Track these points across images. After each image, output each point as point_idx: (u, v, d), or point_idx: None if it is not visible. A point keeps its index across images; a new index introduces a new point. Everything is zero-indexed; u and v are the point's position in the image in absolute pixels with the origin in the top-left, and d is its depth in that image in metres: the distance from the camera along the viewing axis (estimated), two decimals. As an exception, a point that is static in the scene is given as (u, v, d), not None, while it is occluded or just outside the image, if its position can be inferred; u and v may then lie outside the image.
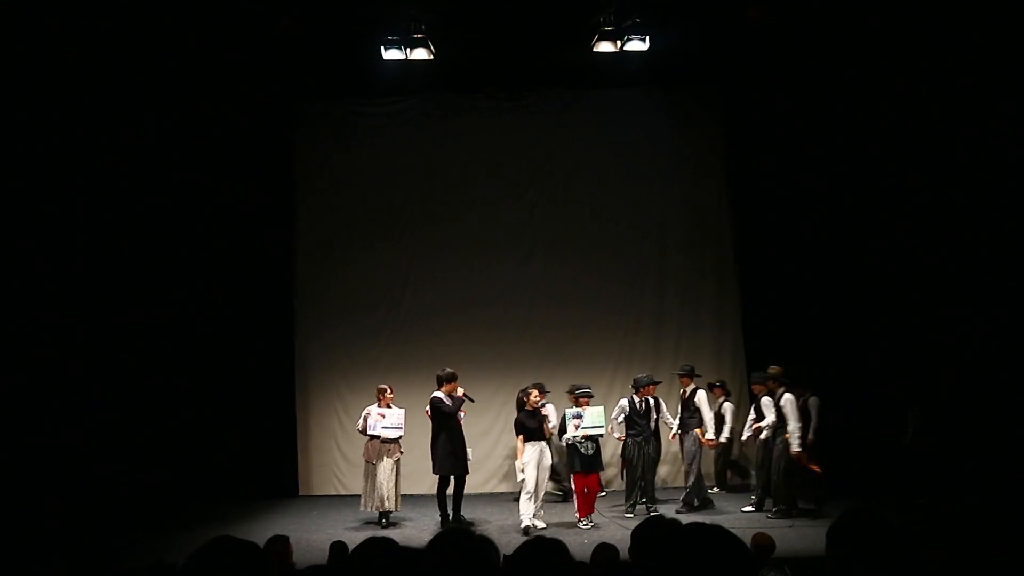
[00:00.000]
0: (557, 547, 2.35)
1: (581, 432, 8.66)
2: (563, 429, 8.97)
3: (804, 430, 8.94)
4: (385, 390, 9.12)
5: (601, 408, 8.91)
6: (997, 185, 8.38)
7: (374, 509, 8.82)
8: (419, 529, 8.80)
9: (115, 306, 10.09)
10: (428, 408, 8.97)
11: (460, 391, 8.95)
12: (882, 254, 10.38)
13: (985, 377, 8.51)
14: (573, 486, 8.78)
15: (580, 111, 11.66)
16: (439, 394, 8.90)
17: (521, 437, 8.54)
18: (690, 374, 9.63)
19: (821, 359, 10.63)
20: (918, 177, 9.61)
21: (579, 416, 8.71)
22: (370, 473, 8.87)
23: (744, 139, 11.42)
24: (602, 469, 9.10)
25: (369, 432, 8.95)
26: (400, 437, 9.02)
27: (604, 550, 4.63)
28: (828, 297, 10.84)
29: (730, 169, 11.54)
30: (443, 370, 9.03)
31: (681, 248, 11.52)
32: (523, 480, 8.50)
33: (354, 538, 7.48)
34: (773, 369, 9.25)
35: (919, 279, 9.61)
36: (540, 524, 8.53)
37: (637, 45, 9.33)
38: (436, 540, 2.26)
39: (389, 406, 9.08)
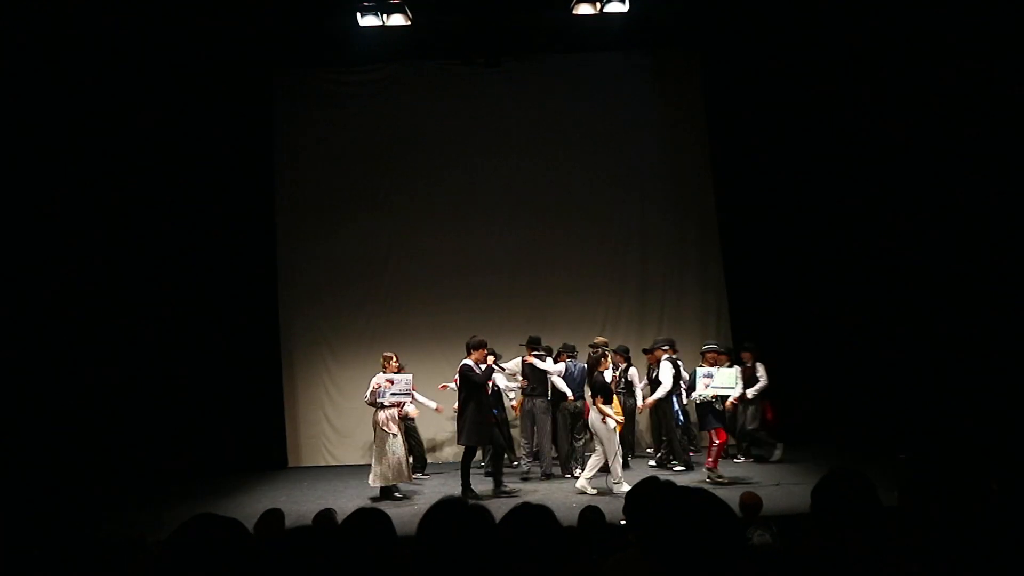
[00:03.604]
0: (543, 512, 2.36)
1: (711, 392, 8.69)
2: (692, 387, 8.95)
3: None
4: (391, 357, 8.95)
5: (735, 370, 9.06)
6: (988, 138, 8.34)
7: (395, 480, 8.37)
8: (428, 501, 8.65)
9: (96, 281, 9.97)
10: (456, 376, 8.68)
11: (490, 359, 8.64)
12: (865, 215, 10.39)
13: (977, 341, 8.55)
14: (717, 440, 8.56)
15: (560, 75, 11.56)
16: (468, 361, 8.55)
17: (600, 399, 8.18)
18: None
19: (805, 319, 10.74)
20: (901, 139, 9.58)
21: (710, 375, 8.74)
22: (383, 443, 8.42)
23: (725, 102, 11.36)
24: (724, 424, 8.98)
25: (379, 401, 8.60)
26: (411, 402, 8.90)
27: (589, 512, 4.75)
28: (811, 257, 10.88)
29: (711, 132, 11.50)
30: (472, 337, 8.74)
31: (664, 211, 11.51)
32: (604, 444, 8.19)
33: (345, 508, 7.54)
34: (599, 340, 9.33)
35: (906, 241, 9.61)
36: (591, 491, 8.16)
37: (617, 7, 9.27)
38: (431, 511, 2.25)
39: (397, 372, 8.88)
